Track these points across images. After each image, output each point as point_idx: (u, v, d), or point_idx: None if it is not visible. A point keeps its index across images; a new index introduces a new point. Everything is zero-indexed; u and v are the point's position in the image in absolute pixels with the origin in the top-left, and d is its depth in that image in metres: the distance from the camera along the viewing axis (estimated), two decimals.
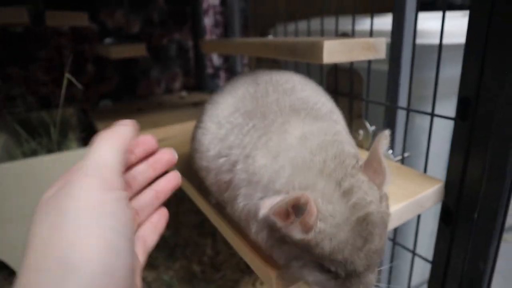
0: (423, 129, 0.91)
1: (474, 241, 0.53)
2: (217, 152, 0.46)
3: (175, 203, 1.33)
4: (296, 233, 0.33)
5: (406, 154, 0.67)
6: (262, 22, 1.46)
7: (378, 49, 0.60)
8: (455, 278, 0.57)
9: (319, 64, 0.83)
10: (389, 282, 1.01)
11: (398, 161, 0.67)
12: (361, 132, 0.70)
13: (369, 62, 0.66)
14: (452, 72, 0.62)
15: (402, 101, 0.68)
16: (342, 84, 0.74)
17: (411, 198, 0.53)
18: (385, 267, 0.79)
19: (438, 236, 0.59)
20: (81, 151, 0.76)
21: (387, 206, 0.36)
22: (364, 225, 0.33)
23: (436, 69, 0.56)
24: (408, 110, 0.62)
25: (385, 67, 0.68)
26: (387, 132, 0.35)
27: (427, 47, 0.67)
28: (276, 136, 0.40)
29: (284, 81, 0.50)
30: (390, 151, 0.67)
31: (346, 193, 0.34)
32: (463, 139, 0.52)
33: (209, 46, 0.94)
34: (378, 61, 0.67)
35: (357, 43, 0.57)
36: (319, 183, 0.34)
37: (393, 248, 0.73)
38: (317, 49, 0.55)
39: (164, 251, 1.04)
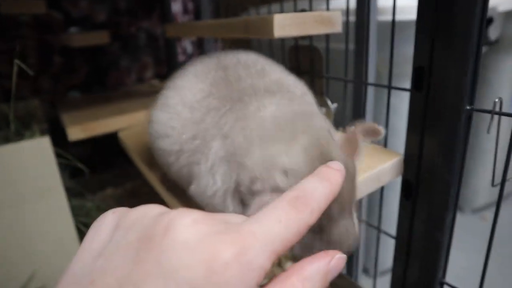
0: (393, 106, 0.90)
1: (431, 213, 0.52)
2: (192, 135, 0.45)
3: (149, 193, 1.31)
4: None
5: None
6: (234, 7, 1.43)
7: (334, 23, 0.59)
8: (418, 251, 0.57)
9: (280, 42, 0.81)
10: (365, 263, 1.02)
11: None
12: (323, 109, 0.69)
13: (327, 37, 0.65)
14: None
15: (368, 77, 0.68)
16: (303, 62, 0.73)
17: (368, 172, 0.52)
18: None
19: (400, 210, 0.59)
20: (35, 141, 0.73)
21: (356, 167, 0.36)
22: None
23: (391, 44, 0.56)
24: (366, 84, 0.61)
25: (342, 46, 0.67)
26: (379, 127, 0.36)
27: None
28: (252, 121, 0.40)
29: (252, 63, 0.50)
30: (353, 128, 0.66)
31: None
32: (419, 110, 0.51)
33: (173, 30, 0.92)
34: (336, 40, 0.66)
35: (310, 16, 0.55)
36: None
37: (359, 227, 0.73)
38: (268, 24, 0.53)
39: None
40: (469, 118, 0.45)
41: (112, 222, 0.24)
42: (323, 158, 0.33)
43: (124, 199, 1.29)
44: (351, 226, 0.33)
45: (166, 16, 1.31)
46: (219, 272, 0.19)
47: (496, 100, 0.42)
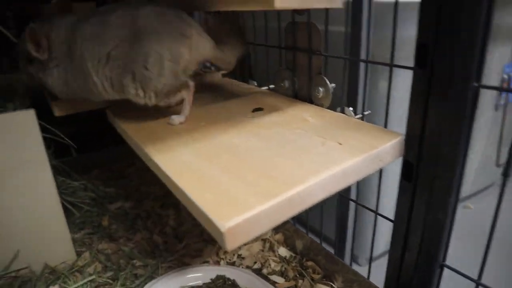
0: (393, 87, 0.88)
1: (434, 194, 0.51)
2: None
3: (137, 174, 1.28)
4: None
5: (367, 112, 0.65)
6: None
7: None
8: (417, 234, 0.56)
9: (277, 18, 0.79)
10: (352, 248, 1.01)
11: (358, 118, 0.64)
12: (321, 89, 0.67)
13: (327, 14, 0.63)
14: None
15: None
16: (300, 39, 0.70)
17: (368, 151, 0.51)
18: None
19: (399, 193, 0.57)
20: (20, 113, 0.69)
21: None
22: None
23: (393, 24, 0.54)
24: (367, 62, 0.59)
25: (337, 28, 0.65)
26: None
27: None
28: None
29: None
30: (351, 109, 0.65)
31: None
32: (421, 88, 0.49)
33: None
34: (331, 23, 0.64)
35: None
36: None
37: (355, 209, 0.72)
38: None
39: (125, 222, 1.01)
40: (476, 95, 0.44)
41: None
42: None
43: (110, 180, 1.26)
44: None
45: None
46: None
47: (505, 76, 0.40)
